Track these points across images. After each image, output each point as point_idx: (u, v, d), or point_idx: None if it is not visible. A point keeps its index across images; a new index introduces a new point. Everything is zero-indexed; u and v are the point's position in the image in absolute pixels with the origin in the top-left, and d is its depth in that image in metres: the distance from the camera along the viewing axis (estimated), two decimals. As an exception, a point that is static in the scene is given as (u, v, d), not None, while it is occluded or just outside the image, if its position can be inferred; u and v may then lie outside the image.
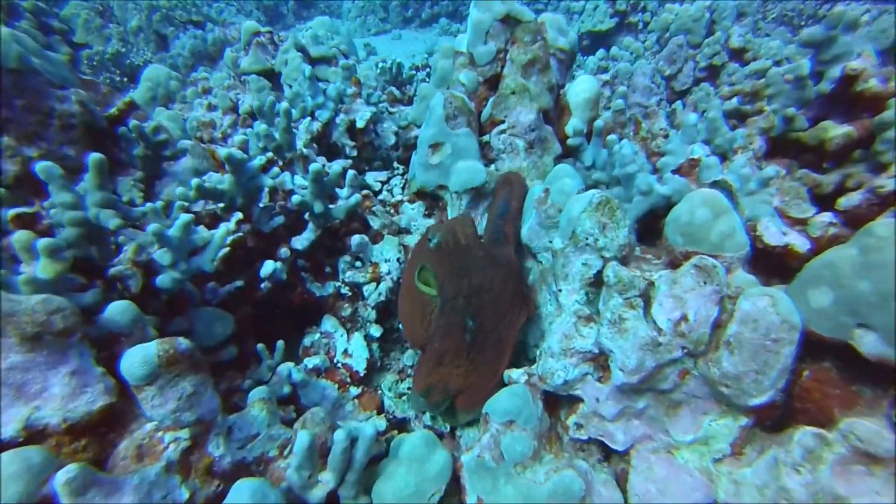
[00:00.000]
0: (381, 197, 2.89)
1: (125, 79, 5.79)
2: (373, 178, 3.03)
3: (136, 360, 1.46)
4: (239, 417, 2.05)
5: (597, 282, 1.88)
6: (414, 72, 4.86)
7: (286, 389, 2.35)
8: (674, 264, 1.82)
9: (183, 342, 1.56)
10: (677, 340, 1.60)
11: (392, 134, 3.28)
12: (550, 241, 2.21)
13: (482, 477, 1.82)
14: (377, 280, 2.51)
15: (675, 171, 2.10)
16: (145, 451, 1.63)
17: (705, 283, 1.59)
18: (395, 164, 3.15)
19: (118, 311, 1.74)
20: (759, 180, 2.00)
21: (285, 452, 1.85)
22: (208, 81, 4.30)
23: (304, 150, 2.73)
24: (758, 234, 1.93)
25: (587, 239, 1.83)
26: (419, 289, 2.16)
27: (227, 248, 2.53)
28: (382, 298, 2.56)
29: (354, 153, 3.12)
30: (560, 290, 1.97)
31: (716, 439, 1.72)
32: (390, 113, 3.54)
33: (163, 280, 2.10)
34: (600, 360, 1.83)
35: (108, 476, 1.46)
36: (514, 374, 2.05)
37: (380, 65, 4.69)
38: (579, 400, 1.93)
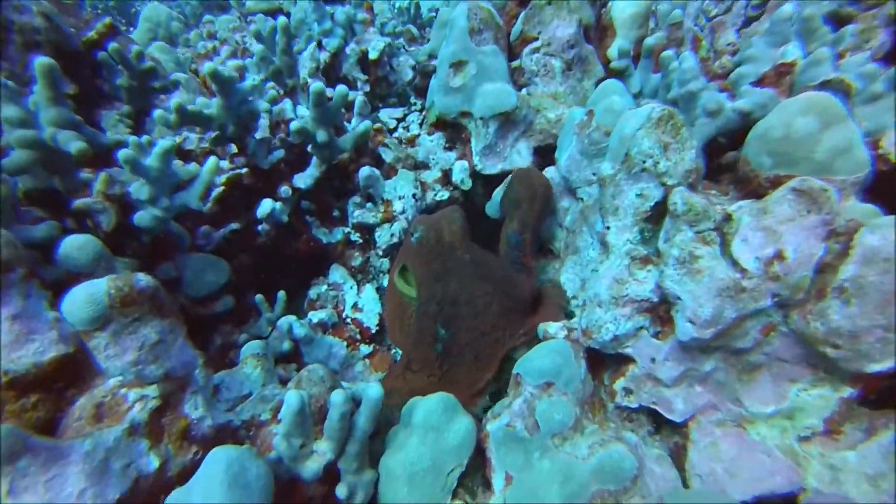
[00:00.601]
0: (396, 135, 2.52)
1: (131, 28, 5.45)
2: (387, 115, 2.65)
3: (79, 299, 1.15)
4: (228, 375, 1.75)
5: (655, 216, 1.50)
6: (434, 13, 4.40)
7: (286, 345, 2.04)
8: (757, 194, 1.42)
9: (142, 279, 1.24)
10: (768, 285, 1.22)
11: (409, 69, 2.88)
12: (594, 174, 1.82)
13: (512, 450, 1.49)
14: (390, 220, 2.16)
15: (755, 84, 1.67)
16: (106, 411, 1.33)
17: (809, 211, 1.20)
18: (413, 100, 2.76)
19: (75, 246, 1.43)
20: (891, 80, 1.54)
21: (279, 416, 1.54)
22: (213, 25, 3.93)
23: (309, 79, 2.36)
24: (882, 152, 1.48)
25: (645, 162, 1.45)
26: (398, 289, 1.86)
27: (222, 188, 2.21)
28: (396, 241, 2.21)
29: (367, 88, 2.74)
30: (608, 228, 1.59)
31: (805, 413, 1.35)
32: (407, 51, 3.14)
33: (141, 217, 1.78)
34: (659, 311, 1.47)
35: (48, 441, 1.16)
36: (552, 327, 1.70)
37: (396, 4, 4.26)
38: (629, 360, 1.58)
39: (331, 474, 1.41)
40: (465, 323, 1.75)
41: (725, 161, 1.76)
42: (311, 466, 1.36)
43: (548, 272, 2.07)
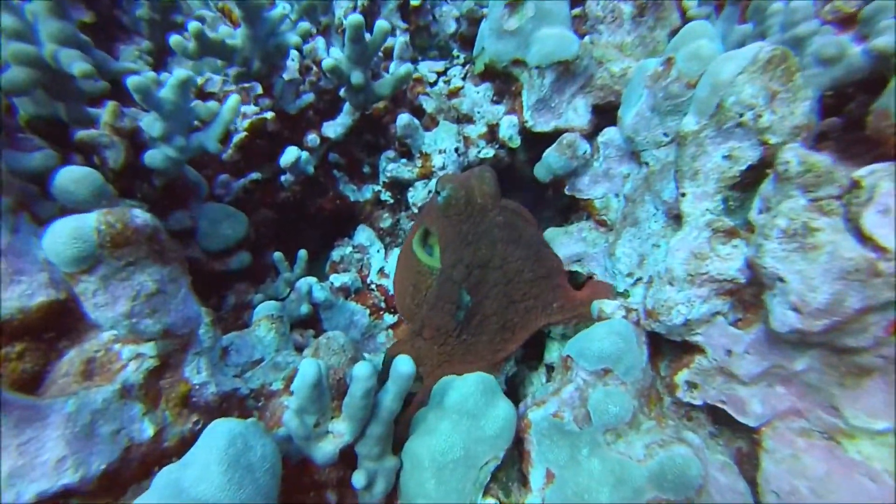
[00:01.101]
0: (435, 89, 2.27)
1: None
2: (427, 68, 2.39)
3: (63, 233, 0.94)
4: (239, 337, 1.55)
5: (744, 182, 1.24)
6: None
7: (304, 309, 1.84)
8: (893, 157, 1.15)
9: (139, 216, 1.03)
10: (907, 269, 0.96)
11: (453, 19, 2.61)
12: (666, 134, 1.56)
13: (557, 443, 1.27)
14: (427, 176, 1.92)
15: None
16: (97, 368, 1.15)
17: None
18: (455, 53, 2.49)
19: (72, 178, 1.23)
20: None
21: (292, 387, 1.34)
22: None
23: (345, 20, 2.11)
24: None
25: (742, 115, 1.18)
26: (417, 256, 1.64)
27: (244, 133, 2.00)
28: (432, 203, 1.98)
29: (406, 37, 2.48)
30: (684, 195, 1.33)
31: (927, 432, 1.10)
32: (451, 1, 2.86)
33: (153, 157, 1.58)
34: (743, 294, 1.22)
35: (24, 398, 0.98)
36: (608, 305, 1.46)
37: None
38: (696, 349, 1.34)
39: (347, 457, 1.22)
40: (494, 290, 1.53)
41: (826, 126, 1.48)
42: (326, 449, 1.16)
43: (598, 245, 1.82)
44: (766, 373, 1.23)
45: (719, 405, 1.33)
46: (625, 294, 1.59)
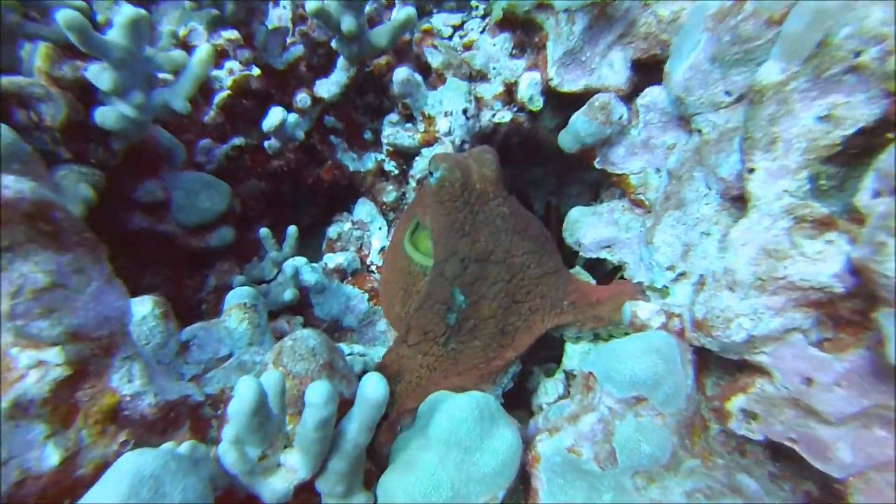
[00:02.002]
0: (446, 42, 1.90)
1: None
2: (442, 20, 2.03)
3: None
4: (204, 329, 1.29)
5: (847, 153, 0.88)
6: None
7: (288, 295, 1.56)
8: None
9: (12, 185, 0.74)
10: None
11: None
12: (728, 92, 1.18)
13: (572, 484, 0.97)
14: (431, 142, 1.60)
15: None
16: (-9, 377, 0.89)
17: None
18: (474, 3, 2.11)
19: (-29, 135, 0.95)
20: None
21: (228, 410, 1.07)
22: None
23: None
24: None
25: (861, 54, 0.81)
26: (407, 254, 1.34)
27: (227, 92, 1.69)
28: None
29: (419, -15, 2.11)
30: (753, 169, 0.98)
31: None
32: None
33: (104, 115, 1.30)
34: (839, 308, 0.87)
35: None
36: (644, 308, 1.14)
37: None
38: (760, 370, 1.00)
39: (308, 492, 0.94)
40: (493, 288, 1.23)
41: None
42: (276, 486, 0.89)
43: (633, 229, 1.48)
44: (865, 413, 0.89)
45: (788, 444, 1.00)
46: (663, 292, 1.25)
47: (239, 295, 1.36)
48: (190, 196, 1.59)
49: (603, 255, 1.54)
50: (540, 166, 2.08)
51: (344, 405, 0.94)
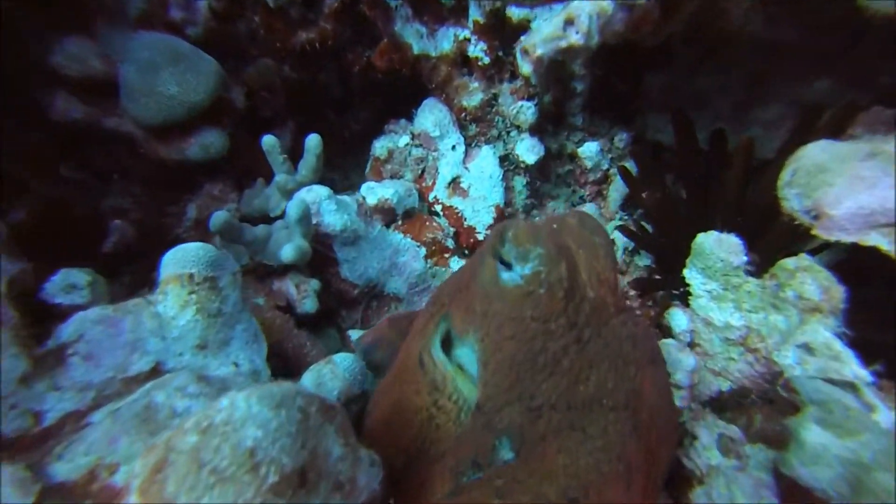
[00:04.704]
0: None
1: None
2: None
3: None
4: (105, 321, 0.66)
5: None
6: None
7: (288, 252, 0.87)
8: None
9: None
10: None
11: None
12: None
13: None
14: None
15: None
16: None
17: None
18: None
19: None
20: None
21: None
22: None
23: None
24: None
25: None
26: (425, 365, 0.58)
27: None
28: (559, 54, 0.84)
29: None
30: None
31: None
32: None
33: None
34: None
35: None
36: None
37: None
38: None
39: None
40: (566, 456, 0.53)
41: None
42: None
43: None
44: None
45: None
46: None
47: (183, 256, 0.69)
48: (146, 75, 0.90)
49: (873, 238, 0.72)
50: (717, 73, 1.15)
51: None
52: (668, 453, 0.63)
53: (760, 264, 0.82)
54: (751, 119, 1.12)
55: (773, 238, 0.87)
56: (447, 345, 0.61)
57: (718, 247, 0.86)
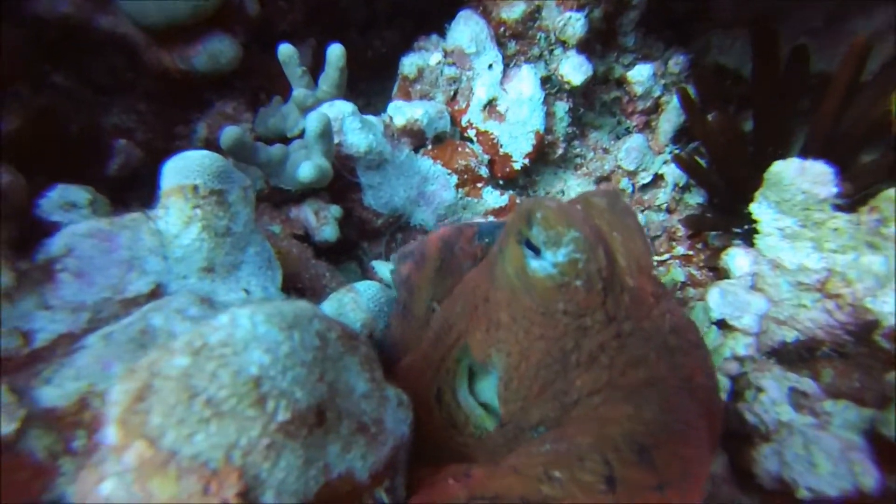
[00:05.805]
0: None
1: None
2: None
3: None
4: (99, 235, 0.56)
5: None
6: None
7: (306, 170, 0.76)
8: None
9: None
10: None
11: None
12: None
13: None
14: None
15: None
16: None
17: None
18: None
19: None
20: None
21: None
22: None
23: None
24: None
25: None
26: (443, 402, 0.48)
27: None
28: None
29: None
30: None
31: None
32: None
33: None
34: None
35: None
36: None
37: None
38: None
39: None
40: None
41: None
42: None
43: None
44: None
45: None
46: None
47: (186, 165, 0.59)
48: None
49: None
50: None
51: None
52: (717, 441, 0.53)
53: (854, 196, 0.69)
54: (847, 31, 0.93)
55: (872, 166, 0.72)
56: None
57: (801, 176, 0.72)
